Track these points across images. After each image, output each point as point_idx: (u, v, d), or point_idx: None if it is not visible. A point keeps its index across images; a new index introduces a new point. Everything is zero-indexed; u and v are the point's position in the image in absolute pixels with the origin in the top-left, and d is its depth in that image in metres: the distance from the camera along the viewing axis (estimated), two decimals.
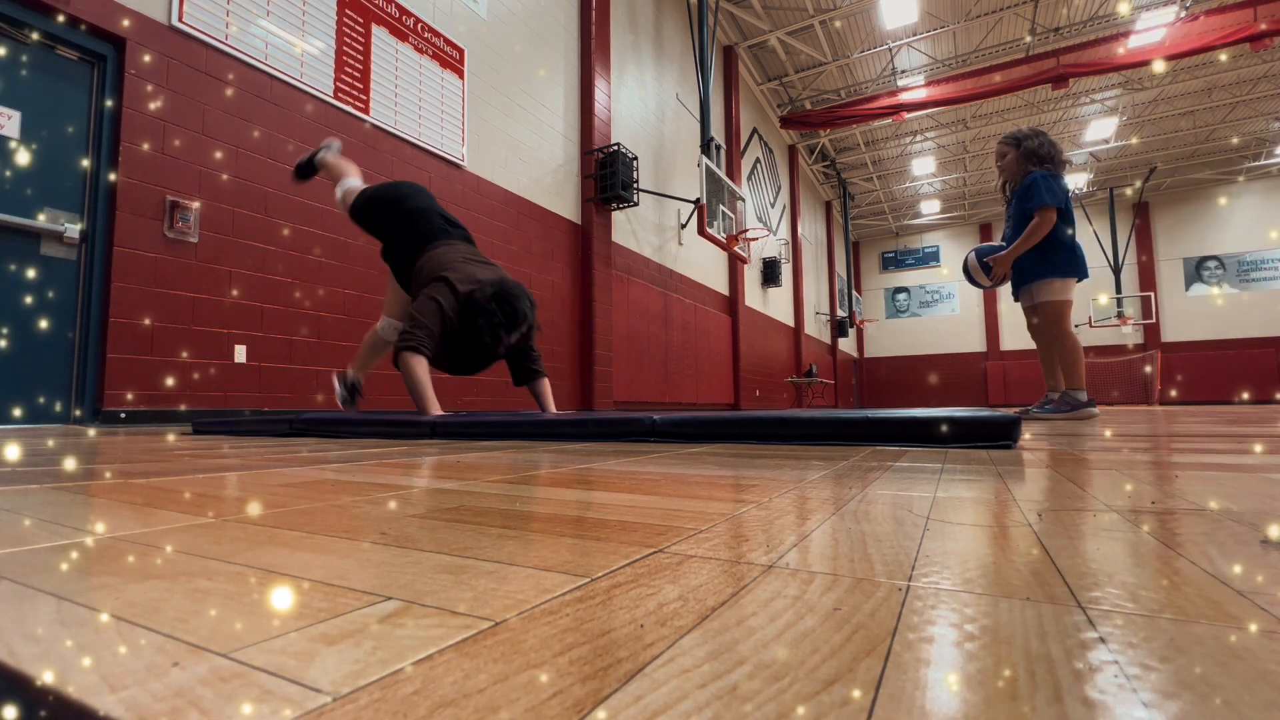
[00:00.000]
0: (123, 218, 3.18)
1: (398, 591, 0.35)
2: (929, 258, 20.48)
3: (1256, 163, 15.69)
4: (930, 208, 19.14)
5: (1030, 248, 3.42)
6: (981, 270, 3.68)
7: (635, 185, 6.80)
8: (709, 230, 7.08)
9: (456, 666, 0.25)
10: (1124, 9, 10.19)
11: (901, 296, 20.85)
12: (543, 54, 6.27)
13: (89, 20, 3.12)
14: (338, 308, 4.16)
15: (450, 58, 5.13)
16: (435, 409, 2.43)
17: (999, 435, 1.43)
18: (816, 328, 16.16)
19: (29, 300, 2.97)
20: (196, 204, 3.45)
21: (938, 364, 19.97)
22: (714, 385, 9.62)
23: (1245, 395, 15.64)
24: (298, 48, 4.01)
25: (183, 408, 3.35)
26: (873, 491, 0.75)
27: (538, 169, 6.09)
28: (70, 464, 1.15)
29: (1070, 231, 3.45)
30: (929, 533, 0.51)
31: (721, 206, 7.58)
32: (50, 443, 1.80)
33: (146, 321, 3.24)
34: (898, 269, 20.95)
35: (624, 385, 7.16)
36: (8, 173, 2.94)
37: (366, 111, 4.40)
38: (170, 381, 3.31)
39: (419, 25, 4.88)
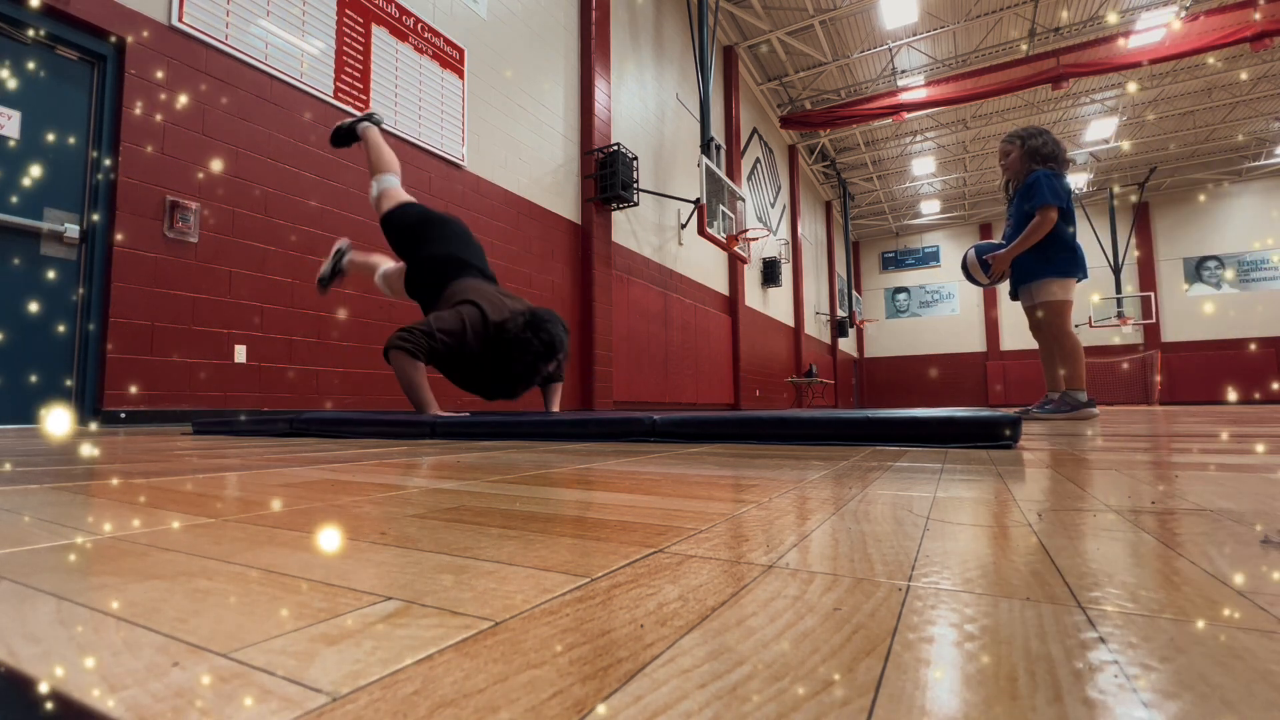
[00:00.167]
0: (123, 218, 3.18)
1: (398, 591, 0.35)
2: (929, 258, 20.48)
3: (1256, 163, 15.69)
4: (930, 208, 19.14)
5: (1030, 247, 3.42)
6: (980, 268, 3.67)
7: (635, 185, 6.80)
8: (709, 230, 7.08)
9: (456, 666, 0.25)
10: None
11: (901, 296, 20.85)
12: (543, 54, 6.27)
13: (89, 20, 3.12)
14: (338, 308, 4.16)
15: (450, 58, 5.13)
16: (433, 408, 2.40)
17: (999, 435, 1.43)
18: (816, 328, 16.16)
19: (29, 300, 2.97)
20: (196, 204, 3.45)
21: (938, 364, 19.96)
22: (714, 385, 9.62)
23: (1240, 395, 15.64)
24: (298, 48, 4.01)
25: (183, 408, 3.35)
26: (873, 491, 0.75)
27: (538, 169, 6.09)
28: (70, 464, 1.15)
29: (1071, 231, 3.44)
30: (929, 533, 0.51)
31: (721, 206, 7.58)
32: (50, 442, 1.80)
33: (146, 321, 3.24)
34: (898, 269, 20.95)
35: (624, 385, 7.16)
36: (7, 172, 2.94)
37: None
38: (170, 381, 3.31)
39: (419, 25, 4.88)
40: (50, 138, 3.08)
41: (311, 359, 4.00)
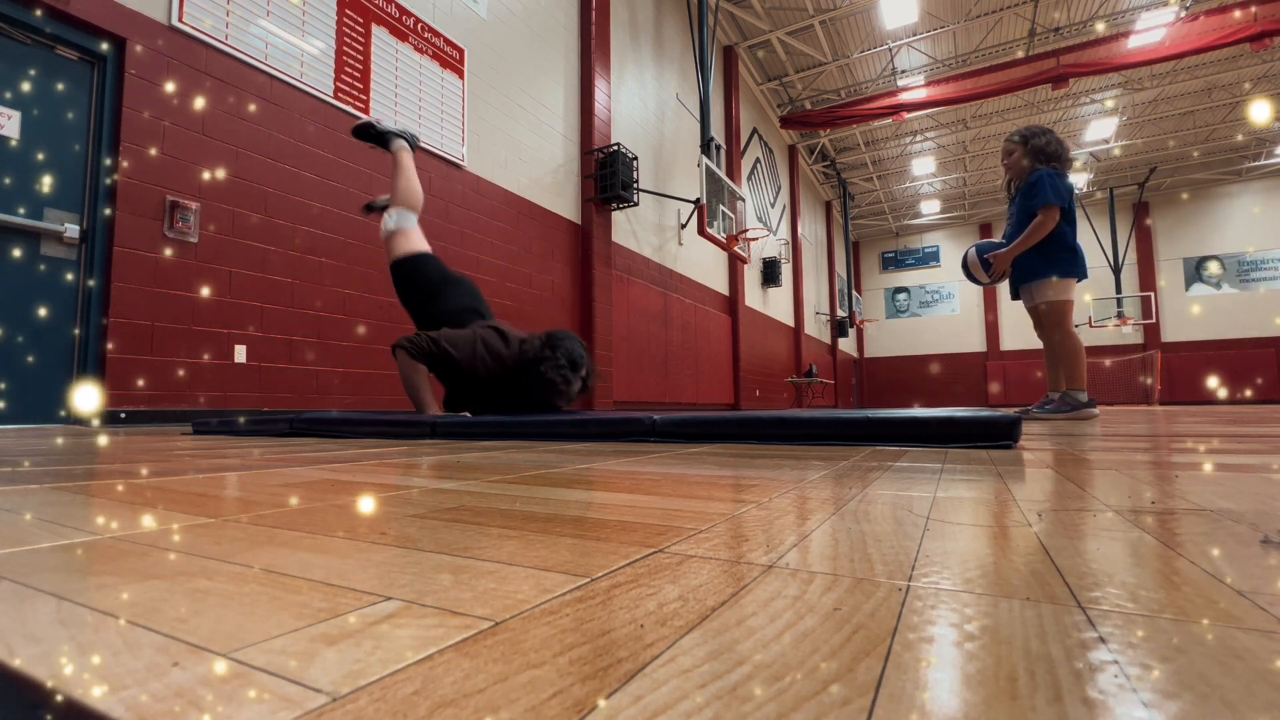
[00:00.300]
0: (123, 218, 3.18)
1: (398, 591, 0.35)
2: (929, 258, 20.48)
3: (1256, 163, 15.69)
4: (930, 208, 19.14)
5: (1031, 246, 3.42)
6: (981, 267, 3.67)
7: (635, 185, 6.80)
8: (709, 230, 7.08)
9: (456, 666, 0.25)
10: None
11: (901, 296, 20.84)
12: (543, 54, 6.28)
13: (89, 20, 3.12)
14: (338, 308, 4.16)
15: (450, 58, 5.13)
16: (433, 409, 2.43)
17: (999, 435, 1.43)
18: (816, 328, 16.16)
19: (29, 300, 2.97)
20: (196, 204, 3.45)
21: (938, 364, 19.96)
22: (714, 385, 9.62)
23: (1239, 394, 15.64)
24: (298, 48, 4.01)
25: (183, 408, 3.35)
26: (873, 491, 0.75)
27: (538, 169, 6.09)
28: (70, 464, 1.15)
29: (1072, 232, 3.44)
30: (929, 533, 0.51)
31: (721, 206, 7.58)
32: (50, 442, 1.80)
33: (147, 321, 3.24)
34: (898, 269, 20.94)
35: (624, 385, 7.16)
36: (7, 173, 2.94)
37: (366, 111, 4.40)
38: (170, 381, 3.31)
39: (419, 25, 4.88)
40: (50, 138, 3.08)
41: (311, 359, 4.00)
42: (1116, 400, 15.52)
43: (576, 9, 6.83)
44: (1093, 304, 16.53)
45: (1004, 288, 3.82)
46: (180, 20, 3.43)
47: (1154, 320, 16.50)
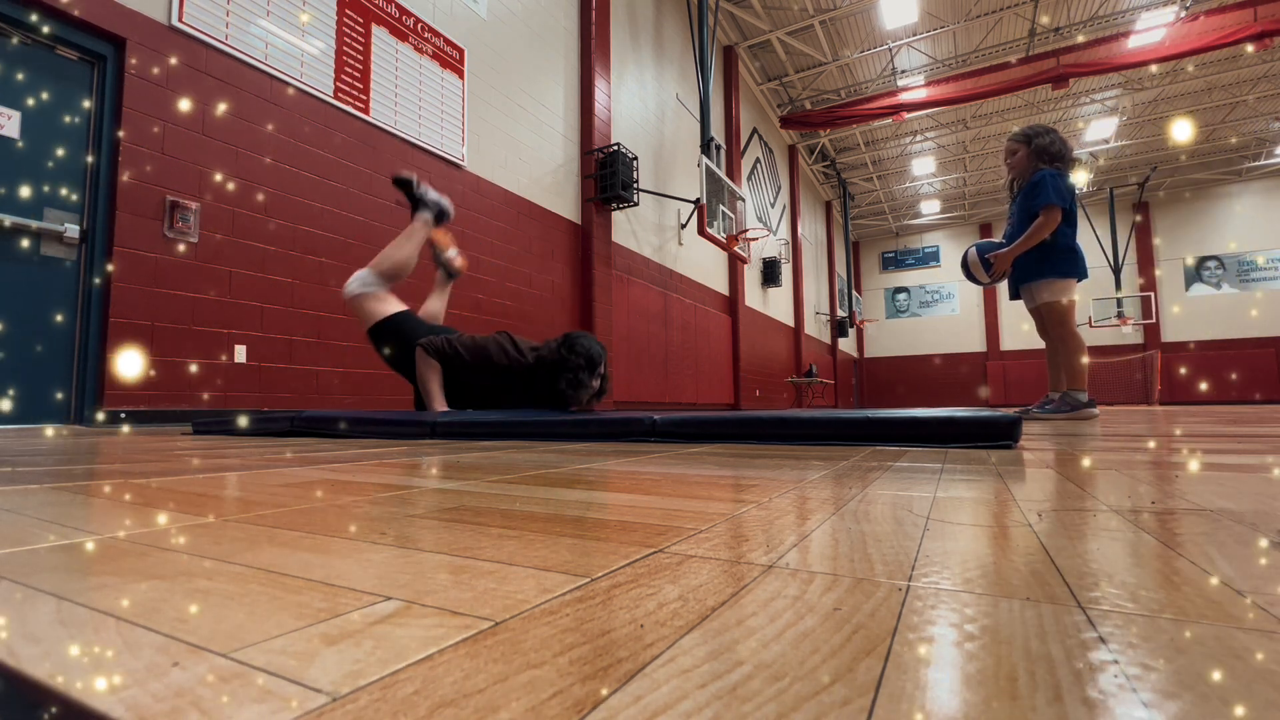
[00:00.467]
0: (123, 218, 3.17)
1: (398, 591, 0.35)
2: (929, 258, 20.48)
3: (1256, 163, 15.69)
4: (930, 208, 19.13)
5: (1032, 246, 3.42)
6: (981, 266, 3.67)
7: (635, 185, 6.80)
8: (709, 230, 7.08)
9: (456, 666, 0.25)
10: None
11: (901, 296, 20.84)
12: (543, 54, 6.27)
13: (89, 20, 3.12)
14: (338, 308, 4.16)
15: (450, 58, 5.13)
16: (439, 405, 2.56)
17: (999, 435, 1.43)
18: (816, 328, 16.15)
19: (29, 300, 2.97)
20: (196, 204, 3.45)
21: (938, 364, 19.96)
22: (714, 385, 9.62)
23: (1240, 394, 15.64)
24: (298, 48, 4.01)
25: (183, 408, 3.35)
26: (873, 491, 0.75)
27: (538, 169, 6.09)
28: (70, 464, 1.15)
29: (1072, 232, 3.44)
30: (929, 533, 0.51)
31: (721, 206, 7.58)
32: (50, 442, 1.80)
33: (146, 321, 3.24)
34: (898, 269, 20.94)
35: (624, 385, 7.16)
36: (7, 173, 2.94)
37: (366, 111, 4.40)
38: (170, 381, 3.31)
39: (419, 25, 4.88)
40: (50, 138, 3.08)
41: (311, 359, 4.00)
42: (1116, 400, 15.52)
43: (576, 9, 6.83)
44: (1093, 304, 16.53)
45: (1004, 288, 3.82)
46: (180, 20, 3.43)
47: (1154, 320, 16.50)
